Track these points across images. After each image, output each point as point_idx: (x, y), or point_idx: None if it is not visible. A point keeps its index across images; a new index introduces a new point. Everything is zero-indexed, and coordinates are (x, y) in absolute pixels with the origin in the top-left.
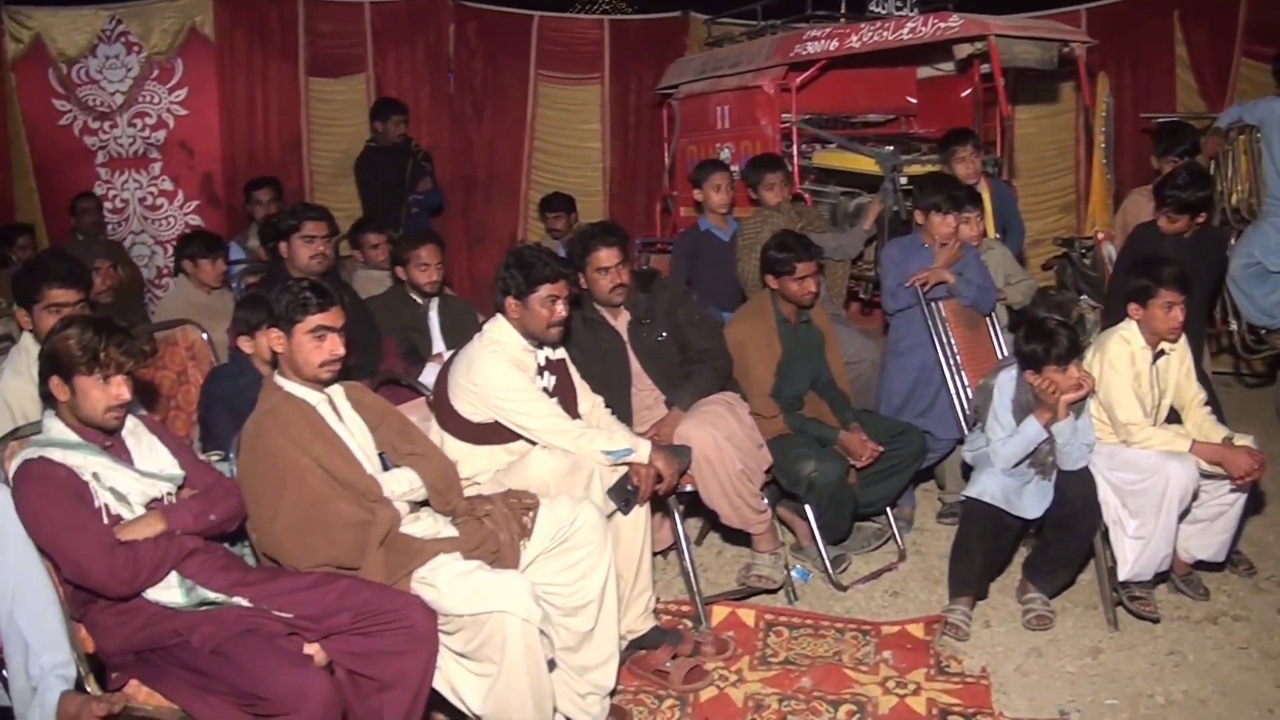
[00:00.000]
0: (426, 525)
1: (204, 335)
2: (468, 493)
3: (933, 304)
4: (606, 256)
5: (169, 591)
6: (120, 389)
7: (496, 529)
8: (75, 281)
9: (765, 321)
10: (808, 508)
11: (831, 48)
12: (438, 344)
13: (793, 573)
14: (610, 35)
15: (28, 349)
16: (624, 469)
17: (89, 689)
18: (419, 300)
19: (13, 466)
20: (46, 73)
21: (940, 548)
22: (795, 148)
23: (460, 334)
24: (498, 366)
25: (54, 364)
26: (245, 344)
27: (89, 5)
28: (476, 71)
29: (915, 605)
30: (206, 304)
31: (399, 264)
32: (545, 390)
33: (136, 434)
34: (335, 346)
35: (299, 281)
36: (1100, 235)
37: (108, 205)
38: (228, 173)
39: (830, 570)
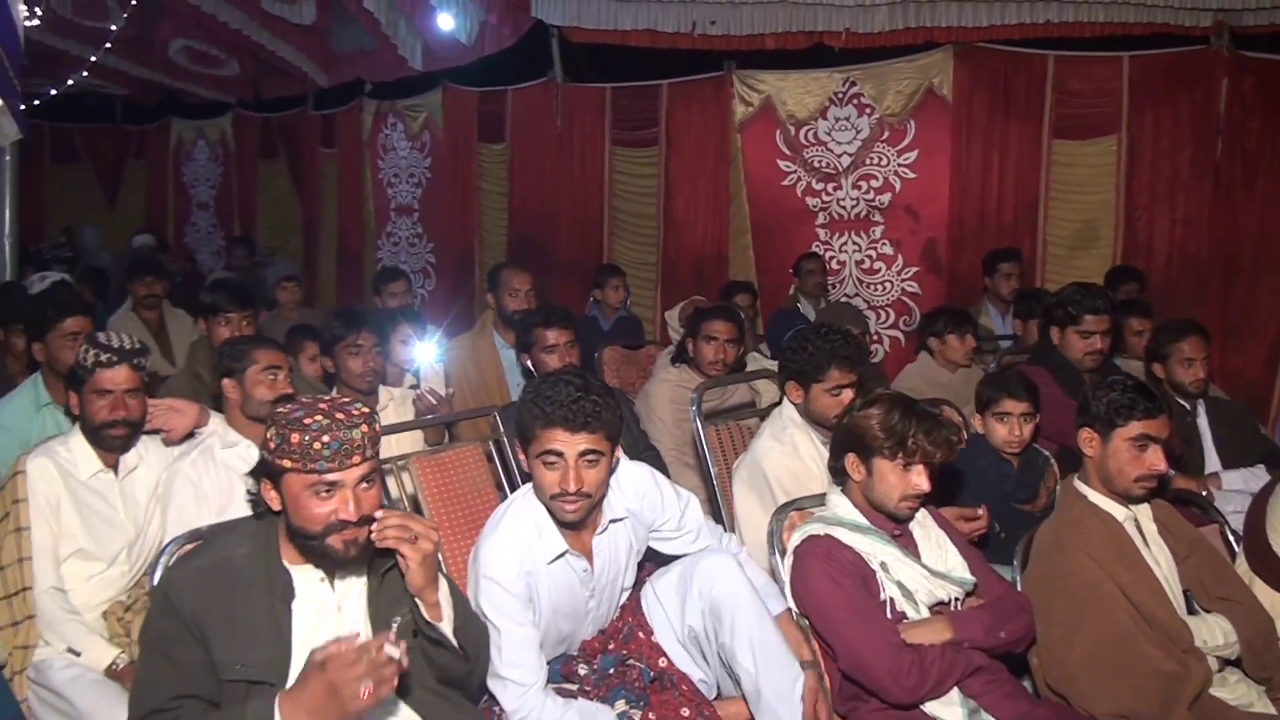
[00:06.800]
0: (1239, 693)
1: (960, 416)
2: None
3: None
4: None
5: (950, 709)
6: (920, 479)
7: None
8: (856, 366)
9: None
10: None
11: None
12: (1211, 459)
13: None
14: None
15: (788, 417)
16: None
17: None
18: (1183, 403)
19: (794, 539)
20: (774, 134)
21: None
22: None
23: (1238, 445)
24: None
25: (852, 441)
26: (980, 424)
27: (823, 69)
28: (1251, 132)
29: None
30: (948, 383)
31: (1156, 359)
32: None
33: (925, 526)
34: (1157, 460)
35: (1124, 380)
36: None
37: None
38: (953, 239)
39: None
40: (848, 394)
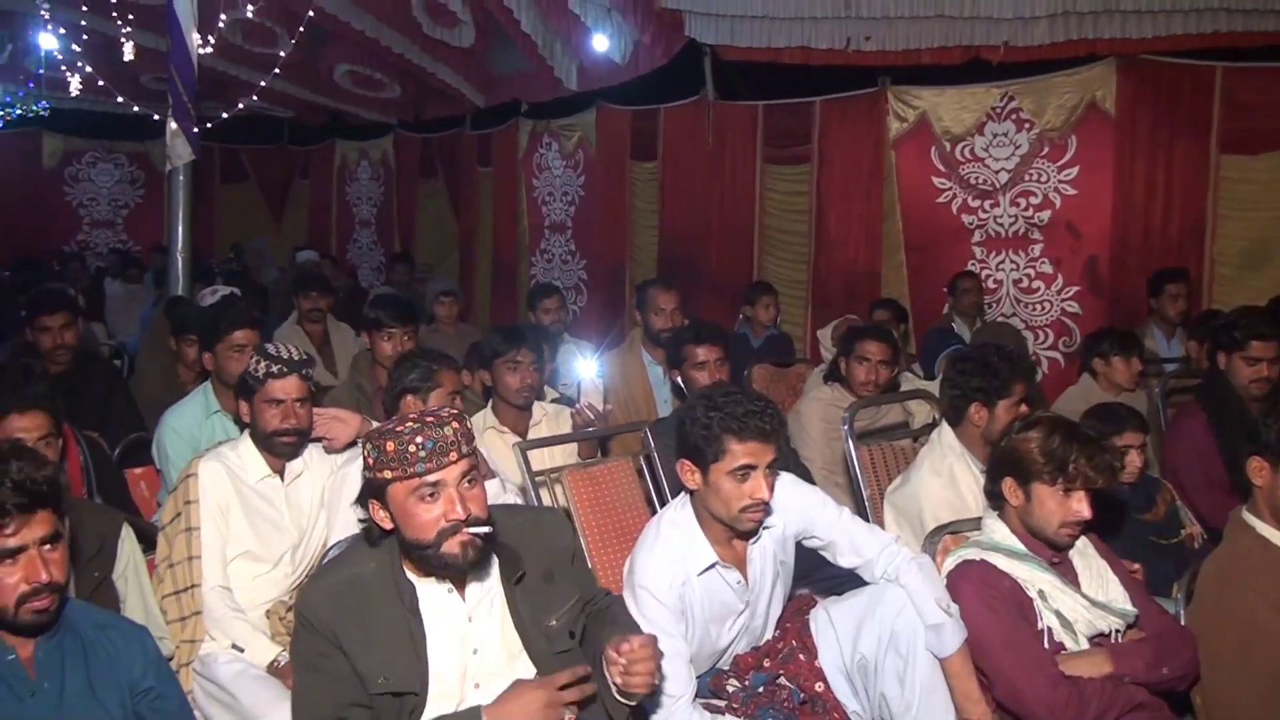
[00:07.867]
0: None
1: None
2: None
3: None
4: None
5: None
6: (1081, 505)
7: None
8: (1032, 377)
9: None
10: None
11: None
12: None
13: None
14: None
15: (947, 445)
16: None
17: None
18: None
19: (948, 563)
20: (928, 150)
21: None
22: None
23: None
24: None
25: (1011, 465)
26: None
27: (980, 83)
28: None
29: None
30: None
31: None
32: None
33: (1085, 555)
34: None
35: None
36: None
37: None
38: (1116, 257)
39: None
40: (1024, 405)
